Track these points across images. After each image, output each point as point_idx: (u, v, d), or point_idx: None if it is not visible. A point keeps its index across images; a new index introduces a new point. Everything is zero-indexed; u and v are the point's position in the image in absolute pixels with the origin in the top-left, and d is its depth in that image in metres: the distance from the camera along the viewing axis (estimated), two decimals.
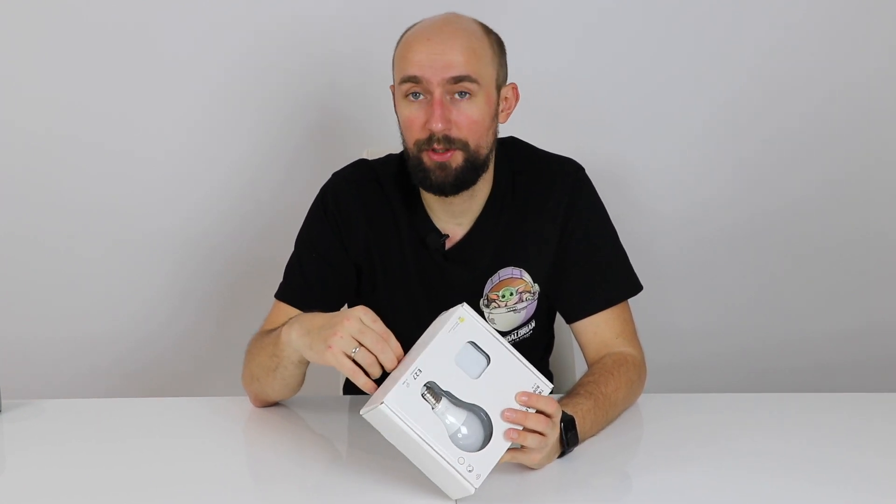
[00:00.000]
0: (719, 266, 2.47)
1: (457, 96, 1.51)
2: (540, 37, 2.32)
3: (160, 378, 2.42)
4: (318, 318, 1.37)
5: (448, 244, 1.64)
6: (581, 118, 2.37)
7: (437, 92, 1.50)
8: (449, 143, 1.51)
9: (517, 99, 1.62)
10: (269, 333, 1.53)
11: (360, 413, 1.26)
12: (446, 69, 1.50)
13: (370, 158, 1.73)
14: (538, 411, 1.29)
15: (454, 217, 1.63)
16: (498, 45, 1.58)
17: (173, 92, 2.31)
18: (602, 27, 2.34)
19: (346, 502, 1.31)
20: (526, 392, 1.28)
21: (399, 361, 1.29)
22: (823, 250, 2.46)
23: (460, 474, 1.22)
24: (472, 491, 1.23)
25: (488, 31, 1.58)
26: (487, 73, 1.54)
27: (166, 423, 1.56)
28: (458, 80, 1.50)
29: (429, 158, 1.52)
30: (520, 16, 2.31)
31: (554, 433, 1.32)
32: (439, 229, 1.63)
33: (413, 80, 1.51)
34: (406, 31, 1.58)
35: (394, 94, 1.60)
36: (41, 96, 2.29)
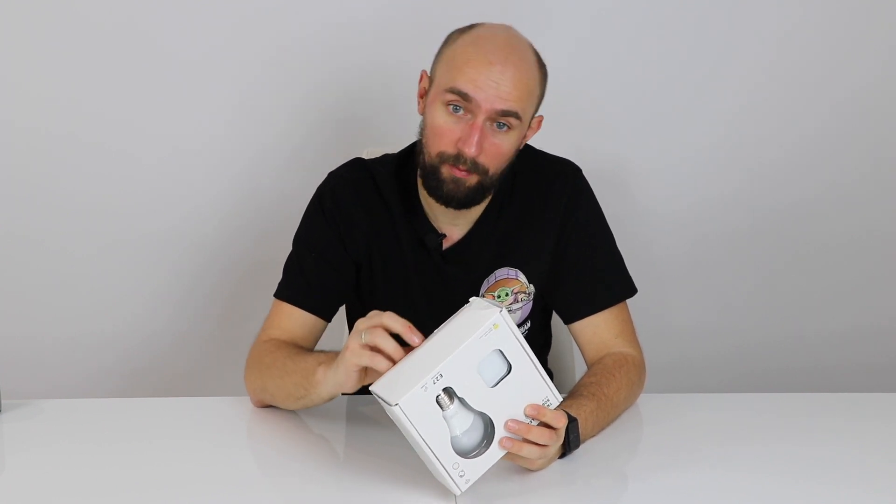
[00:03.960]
0: (719, 266, 2.47)
1: (496, 126, 1.50)
2: (539, 36, 2.31)
3: (160, 378, 2.42)
4: (336, 353, 1.38)
5: (445, 244, 1.64)
6: (581, 118, 2.37)
7: (481, 119, 1.48)
8: (475, 167, 1.50)
9: (538, 129, 1.62)
10: (294, 358, 1.50)
11: (370, 388, 1.26)
12: (498, 101, 1.47)
13: (366, 158, 1.73)
14: (543, 424, 1.29)
15: (452, 218, 1.63)
16: (544, 78, 1.57)
17: (173, 93, 2.31)
18: (602, 27, 2.34)
19: (344, 502, 1.31)
20: (534, 405, 1.27)
21: (405, 341, 1.26)
22: (823, 250, 2.46)
23: (451, 477, 1.24)
24: (458, 493, 1.25)
25: (541, 63, 1.56)
26: (530, 112, 1.54)
27: (166, 423, 1.56)
28: (505, 114, 1.49)
29: (448, 172, 1.51)
30: (519, 15, 2.30)
31: (557, 443, 1.32)
32: (437, 229, 1.63)
33: (462, 96, 1.48)
34: (464, 33, 1.54)
35: (423, 83, 1.57)
36: (41, 96, 2.29)
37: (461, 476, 1.24)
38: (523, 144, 1.61)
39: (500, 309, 1.25)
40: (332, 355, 1.42)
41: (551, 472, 1.35)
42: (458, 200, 1.53)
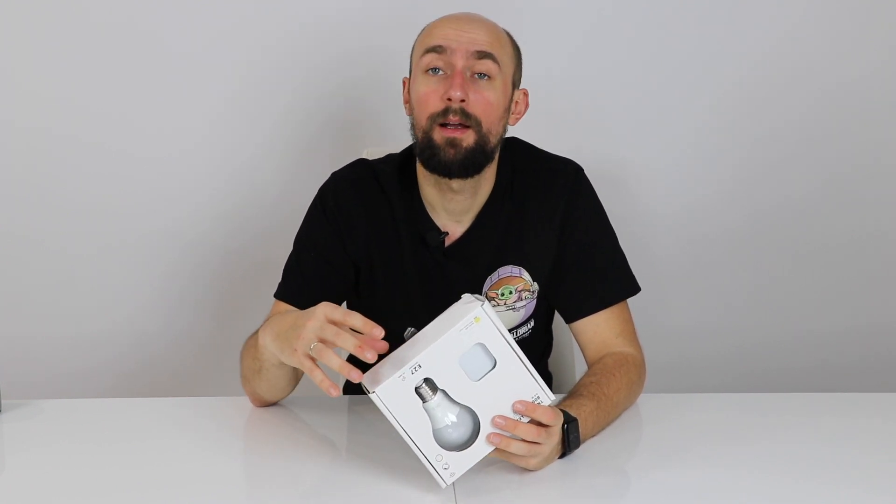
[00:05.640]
0: (718, 266, 2.47)
1: (477, 77, 1.53)
2: (540, 38, 2.32)
3: (159, 378, 2.42)
4: (287, 320, 1.37)
5: (447, 241, 1.64)
6: (581, 119, 2.37)
7: (460, 64, 1.52)
8: (465, 116, 1.51)
9: (527, 106, 1.64)
10: (254, 335, 1.53)
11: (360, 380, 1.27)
12: (472, 43, 1.52)
13: (369, 159, 1.73)
14: (534, 421, 1.29)
15: (454, 215, 1.63)
16: (516, 49, 1.62)
17: (173, 93, 2.31)
18: (602, 29, 2.34)
19: (346, 501, 1.31)
20: (523, 401, 1.27)
21: (368, 340, 1.24)
22: (822, 250, 2.46)
23: (436, 470, 1.25)
24: (444, 486, 1.26)
25: (509, 34, 1.61)
26: (507, 63, 1.57)
27: (165, 423, 1.56)
28: (482, 55, 1.52)
29: (440, 135, 1.52)
30: (520, 17, 2.30)
31: (551, 442, 1.31)
32: (439, 227, 1.63)
33: (437, 49, 1.52)
34: (429, 23, 1.60)
35: (406, 85, 1.61)
36: (41, 96, 2.29)
37: (445, 469, 1.25)
38: (515, 119, 1.63)
39: (481, 303, 1.25)
40: (275, 319, 1.42)
41: (551, 471, 1.35)
42: (458, 164, 1.53)
